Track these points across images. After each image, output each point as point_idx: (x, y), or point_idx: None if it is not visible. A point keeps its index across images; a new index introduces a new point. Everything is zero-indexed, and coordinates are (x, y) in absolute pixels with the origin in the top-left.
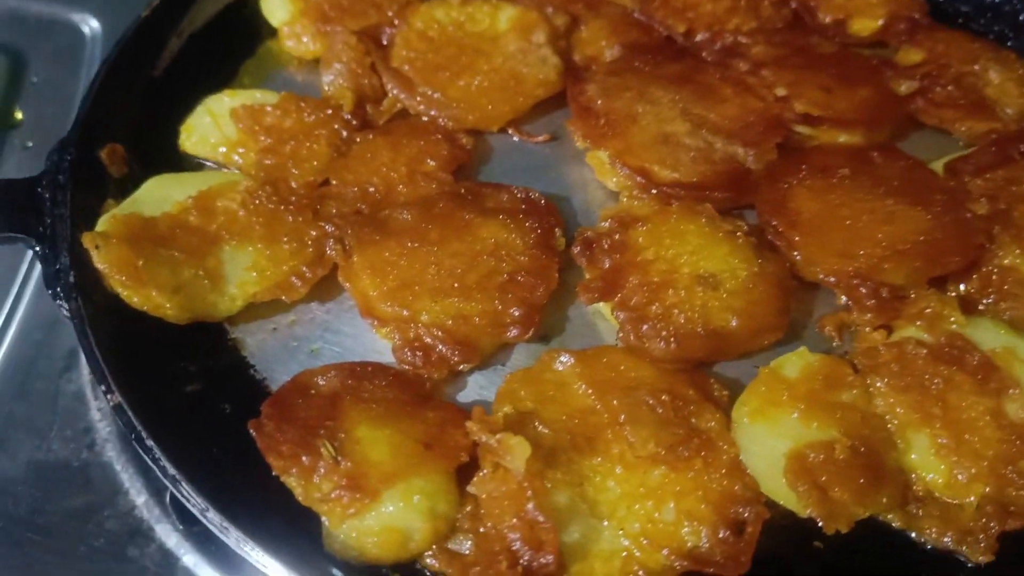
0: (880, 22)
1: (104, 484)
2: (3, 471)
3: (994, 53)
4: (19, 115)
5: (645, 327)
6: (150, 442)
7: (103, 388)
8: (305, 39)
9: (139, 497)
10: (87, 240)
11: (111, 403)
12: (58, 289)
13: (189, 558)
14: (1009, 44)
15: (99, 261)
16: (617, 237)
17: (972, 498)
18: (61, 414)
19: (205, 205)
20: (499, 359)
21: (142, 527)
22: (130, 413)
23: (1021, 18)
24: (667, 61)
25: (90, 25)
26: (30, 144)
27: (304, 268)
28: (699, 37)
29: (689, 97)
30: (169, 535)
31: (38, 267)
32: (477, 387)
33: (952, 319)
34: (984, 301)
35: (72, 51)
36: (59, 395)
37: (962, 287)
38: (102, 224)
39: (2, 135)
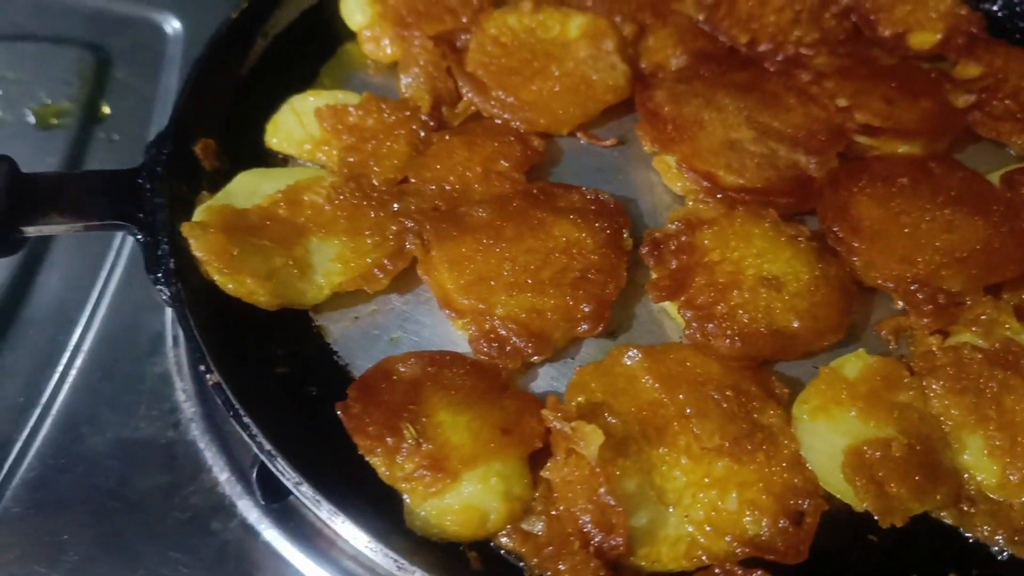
0: (939, 36)
1: (188, 462)
2: (93, 446)
3: None
4: (106, 109)
5: (711, 325)
6: (247, 419)
7: (202, 368)
8: (384, 43)
9: (222, 475)
10: (186, 229)
11: (210, 382)
12: (159, 275)
13: (269, 533)
14: None
15: (197, 249)
16: (684, 239)
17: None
18: (147, 394)
19: (293, 198)
20: (569, 352)
21: (224, 503)
22: (228, 392)
23: None
24: (732, 70)
25: (172, 25)
26: (116, 137)
27: (386, 260)
28: (762, 47)
29: (754, 105)
30: (250, 511)
31: (124, 256)
32: (548, 378)
33: (1007, 325)
34: None
35: (154, 49)
36: (145, 377)
37: (1016, 296)
38: (199, 214)
39: (90, 128)
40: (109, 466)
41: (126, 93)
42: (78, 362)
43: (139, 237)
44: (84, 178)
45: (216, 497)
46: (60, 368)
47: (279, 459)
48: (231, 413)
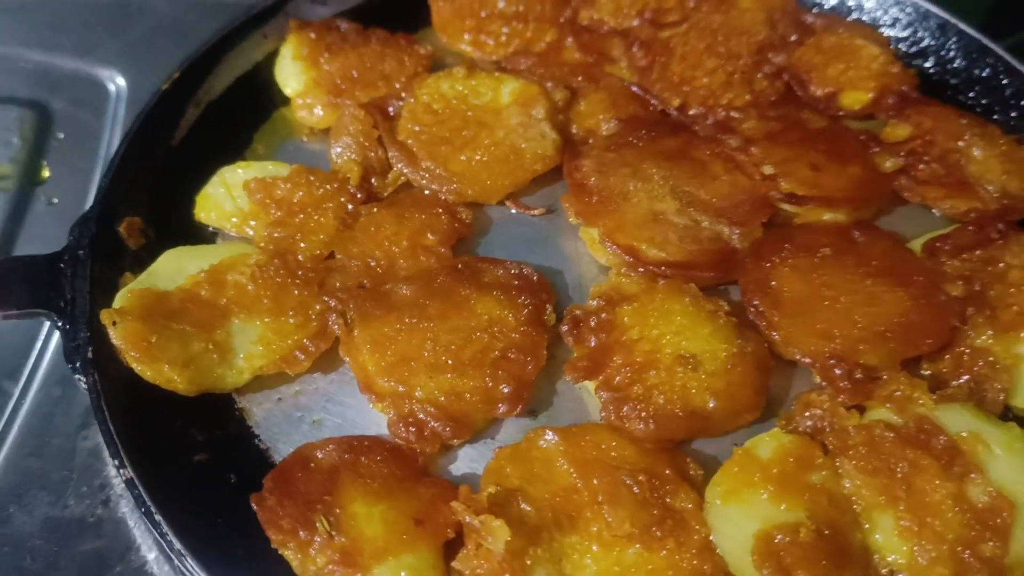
0: (870, 95)
1: (117, 539)
2: (20, 526)
3: (980, 129)
4: (46, 172)
5: (626, 408)
6: (158, 517)
7: (116, 463)
8: (316, 110)
9: (150, 553)
10: (104, 317)
11: (123, 477)
12: (77, 364)
13: None
14: (996, 118)
15: (115, 338)
16: (604, 316)
17: None
18: (78, 470)
19: (216, 279)
20: (489, 432)
21: None
22: (141, 488)
23: (1008, 92)
24: (662, 136)
25: (115, 82)
26: (56, 200)
27: (307, 342)
28: (693, 111)
29: (681, 174)
30: None
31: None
32: (468, 460)
33: (921, 402)
34: (955, 382)
35: (97, 107)
36: (76, 451)
37: (934, 367)
38: (119, 300)
39: (30, 192)
40: (36, 547)
41: (67, 154)
42: (9, 439)
43: (59, 324)
44: (2, 265)
45: None
46: None
47: (188, 558)
48: (143, 511)
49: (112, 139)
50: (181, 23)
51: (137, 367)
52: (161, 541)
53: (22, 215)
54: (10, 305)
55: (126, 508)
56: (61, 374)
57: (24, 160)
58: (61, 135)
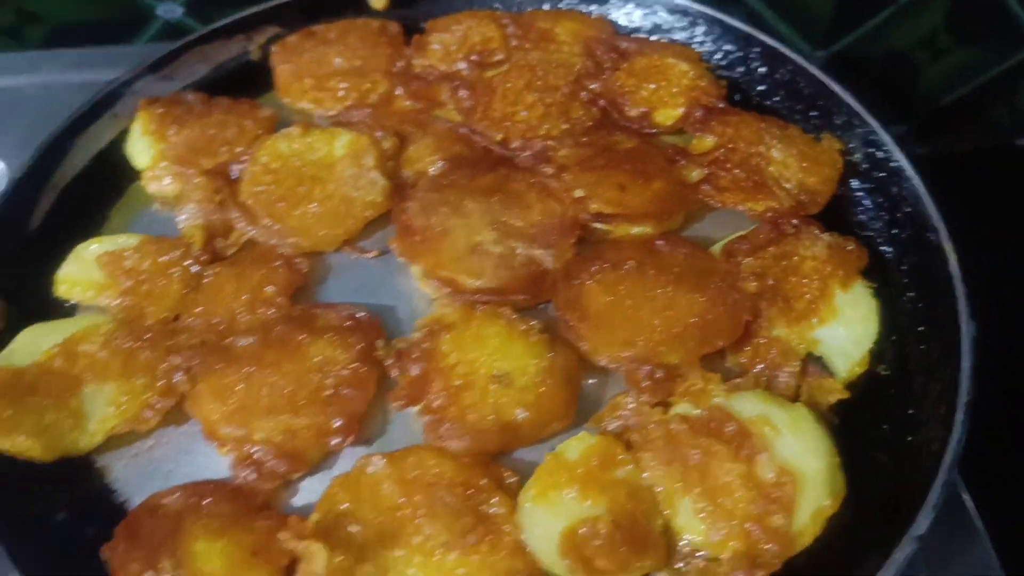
0: (681, 111)
1: None
2: None
3: (779, 131)
4: None
5: (443, 428)
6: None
7: None
8: (165, 181)
9: None
10: None
11: None
12: None
13: None
14: (797, 118)
15: None
16: (425, 346)
17: (726, 553)
18: None
19: (69, 350)
20: (327, 464)
21: None
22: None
23: (806, 92)
24: (482, 172)
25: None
26: None
27: (155, 400)
28: (514, 144)
29: (498, 207)
30: None
31: None
32: (309, 492)
33: (715, 393)
34: (753, 370)
35: None
36: None
37: (736, 359)
38: None
39: None
40: None
41: None
42: None
43: None
44: None
45: None
46: None
47: None
48: None
49: None
50: (60, 105)
51: None
52: None
53: None
54: None
55: None
56: None
57: None
58: None
